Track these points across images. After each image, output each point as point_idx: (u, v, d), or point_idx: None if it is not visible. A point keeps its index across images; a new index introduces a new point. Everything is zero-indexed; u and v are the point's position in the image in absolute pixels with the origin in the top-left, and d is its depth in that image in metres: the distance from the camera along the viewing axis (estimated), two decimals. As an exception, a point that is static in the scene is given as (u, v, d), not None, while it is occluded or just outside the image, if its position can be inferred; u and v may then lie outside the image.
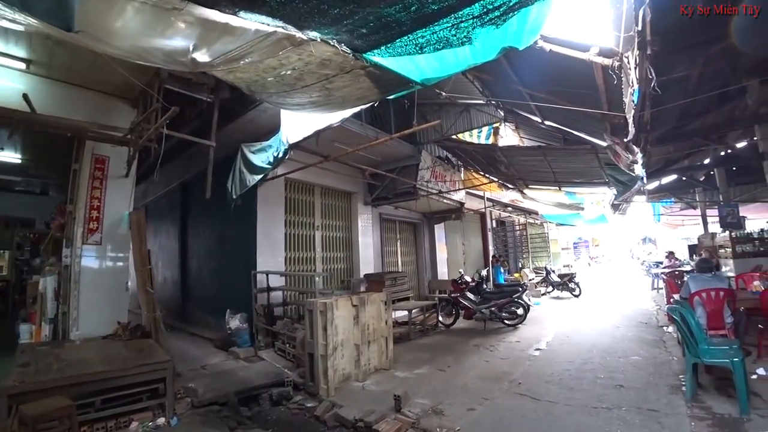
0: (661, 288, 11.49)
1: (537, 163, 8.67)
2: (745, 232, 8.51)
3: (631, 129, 3.75)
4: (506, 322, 8.12)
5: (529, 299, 9.27)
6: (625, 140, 4.74)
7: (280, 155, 5.26)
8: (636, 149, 5.06)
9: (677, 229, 21.33)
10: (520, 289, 8.17)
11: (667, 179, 13.58)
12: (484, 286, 9.51)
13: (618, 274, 22.59)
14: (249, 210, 7.04)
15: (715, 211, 12.80)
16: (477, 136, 9.29)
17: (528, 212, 14.64)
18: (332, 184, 8.55)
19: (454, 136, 9.09)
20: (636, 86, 3.10)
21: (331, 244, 8.62)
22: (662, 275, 9.34)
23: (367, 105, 3.91)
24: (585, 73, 4.02)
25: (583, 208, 10.65)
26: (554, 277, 13.35)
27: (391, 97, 3.89)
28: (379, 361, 5.34)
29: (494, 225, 15.53)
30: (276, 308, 6.70)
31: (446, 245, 12.09)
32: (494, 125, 8.62)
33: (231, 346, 6.38)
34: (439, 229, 11.86)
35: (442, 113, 9.33)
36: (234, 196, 6.52)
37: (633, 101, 3.34)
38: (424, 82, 3.45)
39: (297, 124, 5.06)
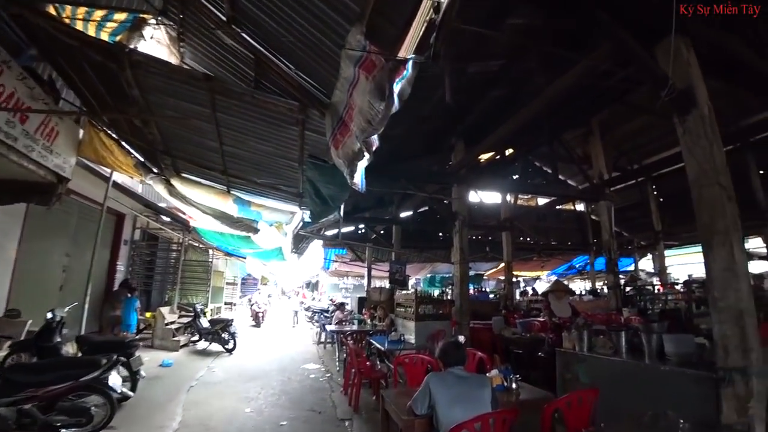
0: (329, 342, 10.00)
1: (197, 122, 4.53)
2: (425, 291, 8.20)
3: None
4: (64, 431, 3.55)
5: (139, 367, 5.12)
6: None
7: None
8: (392, 89, 2.44)
9: (342, 279, 23.04)
10: (105, 361, 3.83)
11: (345, 229, 13.60)
12: (58, 340, 4.86)
13: (281, 319, 21.39)
14: None
15: (380, 266, 13.55)
16: (99, 26, 4.62)
17: (187, 227, 10.23)
18: None
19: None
20: None
21: None
22: (339, 336, 7.52)
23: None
24: None
25: (257, 230, 7.39)
26: (203, 322, 9.51)
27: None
28: None
29: (138, 237, 10.31)
30: None
31: (22, 251, 6.00)
32: (142, 15, 4.45)
33: None
34: (11, 218, 5.80)
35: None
36: None
37: None
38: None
39: None
